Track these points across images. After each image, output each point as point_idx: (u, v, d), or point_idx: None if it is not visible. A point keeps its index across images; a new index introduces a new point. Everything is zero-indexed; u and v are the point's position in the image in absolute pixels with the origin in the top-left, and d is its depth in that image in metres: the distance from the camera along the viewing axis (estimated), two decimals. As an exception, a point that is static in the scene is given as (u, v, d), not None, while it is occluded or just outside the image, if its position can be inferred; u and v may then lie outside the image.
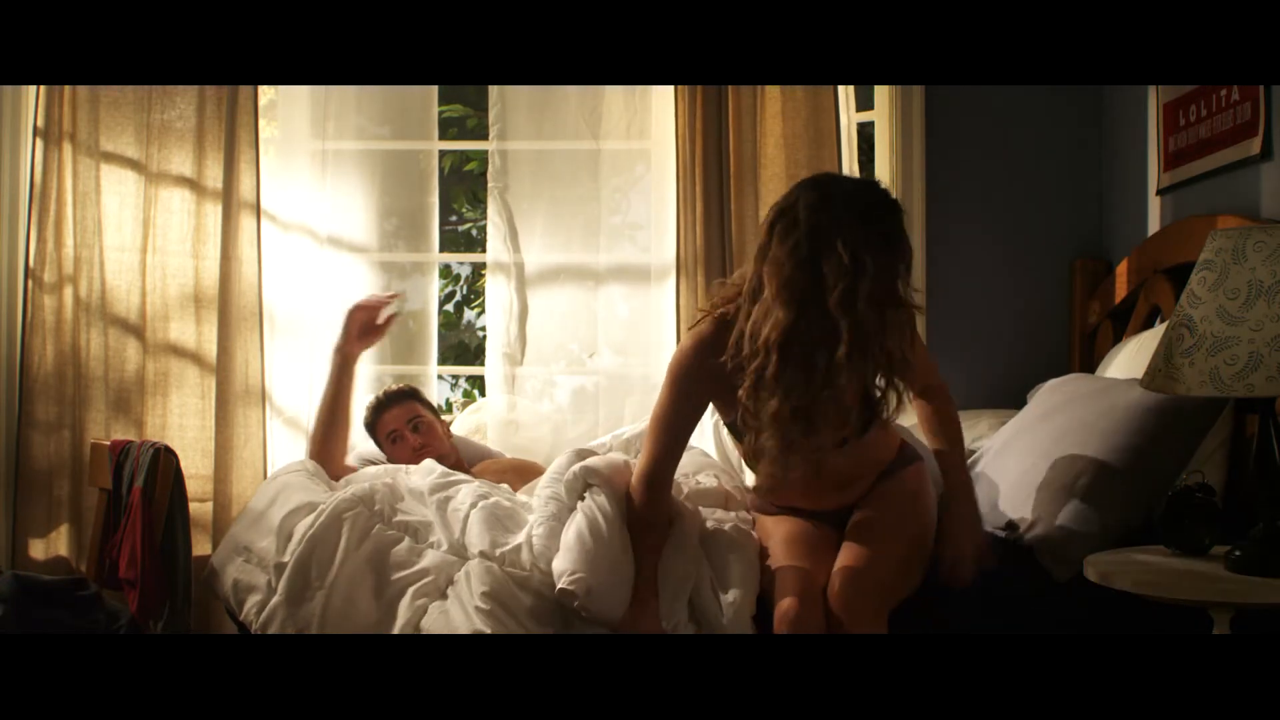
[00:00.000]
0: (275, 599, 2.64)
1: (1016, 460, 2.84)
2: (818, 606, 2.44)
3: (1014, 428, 3.02)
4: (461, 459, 3.50)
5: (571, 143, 3.91)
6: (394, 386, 3.60)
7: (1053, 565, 2.53)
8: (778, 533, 2.64)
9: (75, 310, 3.68)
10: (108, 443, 3.36)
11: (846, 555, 2.49)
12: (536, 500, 2.72)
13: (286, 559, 2.67)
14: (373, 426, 3.53)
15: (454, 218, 6.83)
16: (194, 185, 3.74)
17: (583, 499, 2.61)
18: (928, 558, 2.54)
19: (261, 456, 3.69)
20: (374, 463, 3.54)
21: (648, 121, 3.88)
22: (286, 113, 3.90)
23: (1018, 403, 3.31)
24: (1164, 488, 2.47)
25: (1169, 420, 2.60)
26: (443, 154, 4.99)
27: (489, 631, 2.41)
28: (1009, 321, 3.86)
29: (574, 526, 2.55)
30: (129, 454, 3.24)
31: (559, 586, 2.46)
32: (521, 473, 3.40)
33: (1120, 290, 3.52)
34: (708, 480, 2.94)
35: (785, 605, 2.42)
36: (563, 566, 2.50)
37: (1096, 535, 2.53)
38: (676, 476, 2.68)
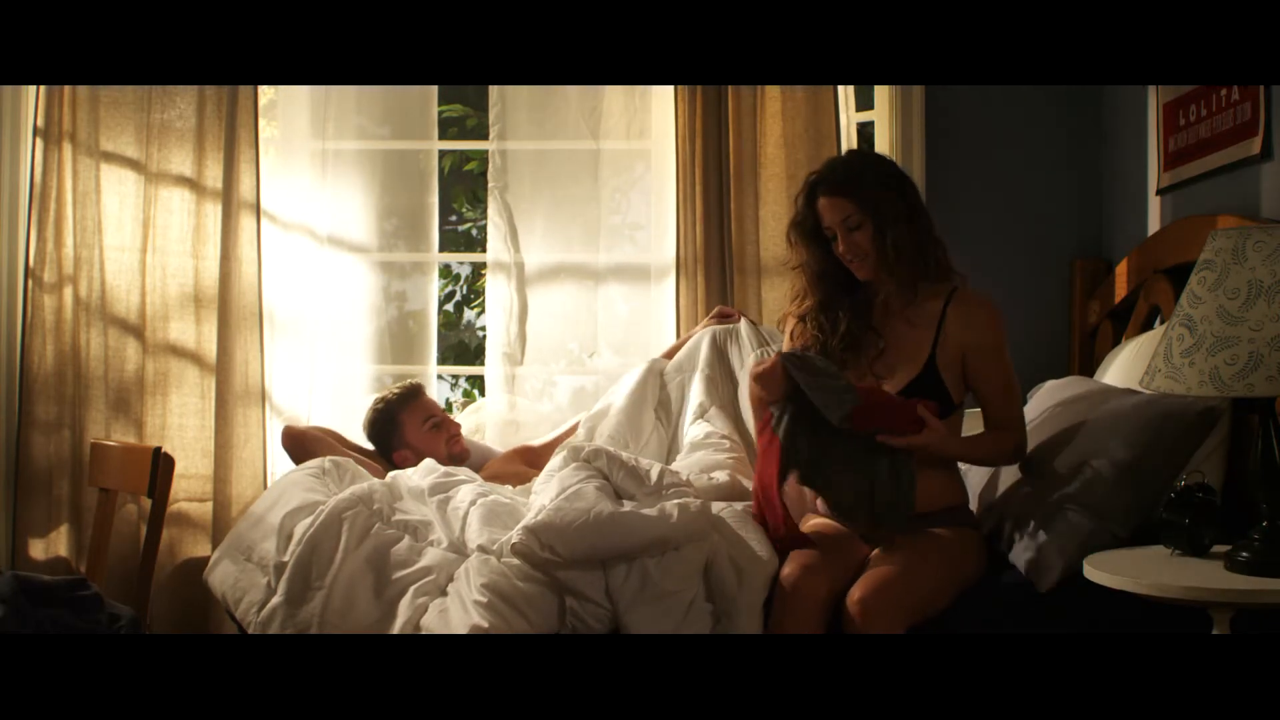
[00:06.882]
0: (275, 599, 2.64)
1: (1016, 460, 2.84)
2: (816, 578, 2.50)
3: (1014, 428, 3.02)
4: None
5: (571, 143, 3.90)
6: (409, 382, 3.58)
7: (1053, 565, 2.53)
8: (810, 524, 2.75)
9: (75, 310, 3.68)
10: (108, 443, 3.35)
11: (876, 565, 2.55)
12: (533, 496, 2.75)
13: (286, 559, 2.67)
14: (404, 415, 3.46)
15: (454, 218, 6.83)
16: (194, 185, 3.74)
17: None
18: (958, 588, 2.57)
19: (261, 456, 3.70)
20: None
21: (648, 121, 3.87)
22: (286, 113, 3.90)
23: (1018, 403, 3.31)
24: (1163, 489, 2.47)
25: (1168, 423, 2.60)
26: (443, 154, 4.98)
27: (487, 624, 2.41)
28: (1009, 321, 3.84)
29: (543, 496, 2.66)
30: None
31: (511, 544, 2.50)
32: (524, 455, 3.46)
33: (1120, 290, 3.52)
34: (721, 476, 3.02)
35: (786, 570, 2.52)
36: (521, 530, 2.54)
37: (1097, 536, 2.52)
38: (689, 476, 2.88)
